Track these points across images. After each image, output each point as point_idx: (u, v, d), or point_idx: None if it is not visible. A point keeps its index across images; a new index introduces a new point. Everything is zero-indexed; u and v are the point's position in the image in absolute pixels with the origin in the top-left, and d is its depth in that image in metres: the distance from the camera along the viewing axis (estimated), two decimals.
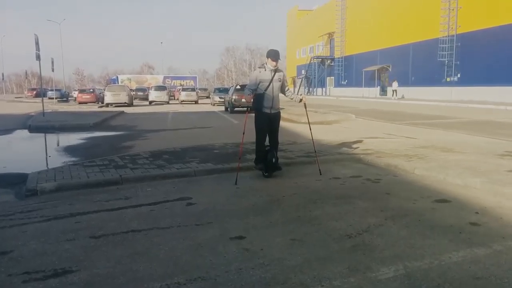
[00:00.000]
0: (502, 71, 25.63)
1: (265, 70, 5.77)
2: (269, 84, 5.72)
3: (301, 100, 6.11)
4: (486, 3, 27.57)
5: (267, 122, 5.84)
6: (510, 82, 25.12)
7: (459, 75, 30.68)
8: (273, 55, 5.75)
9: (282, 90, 5.98)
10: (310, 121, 6.61)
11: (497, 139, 9.25)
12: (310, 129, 6.54)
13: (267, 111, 5.79)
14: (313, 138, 6.65)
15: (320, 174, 5.92)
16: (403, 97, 35.38)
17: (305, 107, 6.51)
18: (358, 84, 44.73)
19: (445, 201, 4.50)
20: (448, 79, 30.75)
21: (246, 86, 6.06)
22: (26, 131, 14.04)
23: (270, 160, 5.80)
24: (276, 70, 5.78)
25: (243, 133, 5.90)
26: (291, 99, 6.25)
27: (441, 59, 31.40)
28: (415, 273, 2.79)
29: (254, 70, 6.02)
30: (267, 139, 5.93)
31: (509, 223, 3.75)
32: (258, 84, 5.74)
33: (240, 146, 6.41)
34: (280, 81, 5.82)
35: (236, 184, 5.47)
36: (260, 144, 5.90)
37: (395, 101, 31.60)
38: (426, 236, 3.48)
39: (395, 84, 35.22)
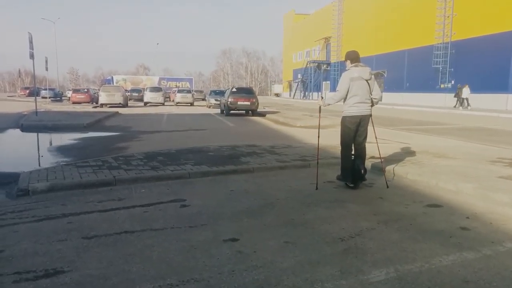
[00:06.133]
0: (495, 78, 25.90)
1: None
2: None
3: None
4: (481, 11, 27.90)
5: None
6: (503, 89, 25.42)
7: (453, 82, 30.96)
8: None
9: None
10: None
11: (489, 146, 9.34)
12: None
13: None
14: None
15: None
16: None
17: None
18: None
19: (437, 206, 4.54)
20: (442, 86, 31.00)
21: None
22: (18, 130, 13.93)
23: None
24: None
25: None
26: None
27: (435, 66, 31.69)
28: (406, 276, 2.81)
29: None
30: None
31: (498, 228, 3.80)
32: None
33: None
34: None
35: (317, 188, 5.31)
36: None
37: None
38: (417, 240, 3.52)
39: (466, 91, 26.24)
